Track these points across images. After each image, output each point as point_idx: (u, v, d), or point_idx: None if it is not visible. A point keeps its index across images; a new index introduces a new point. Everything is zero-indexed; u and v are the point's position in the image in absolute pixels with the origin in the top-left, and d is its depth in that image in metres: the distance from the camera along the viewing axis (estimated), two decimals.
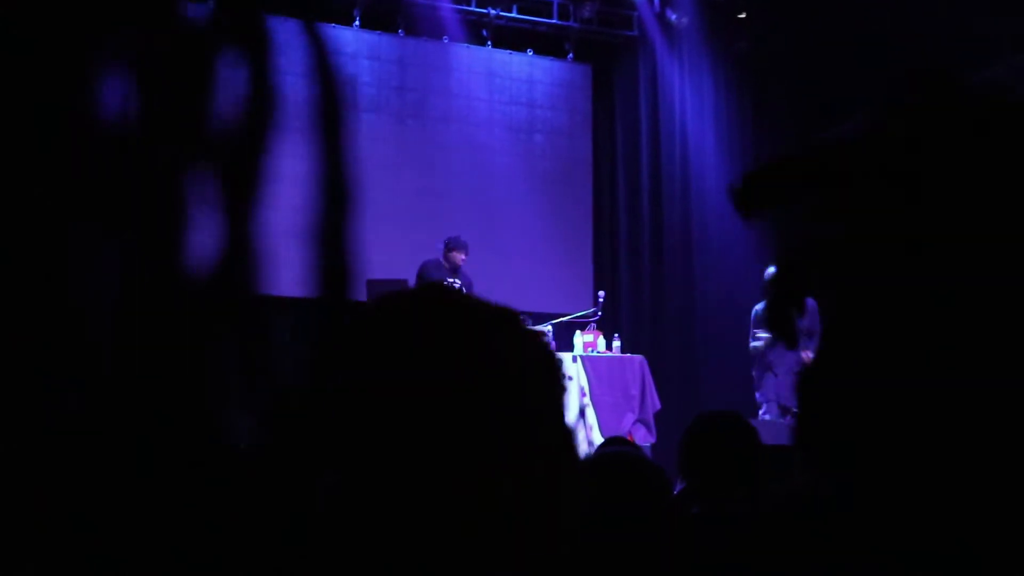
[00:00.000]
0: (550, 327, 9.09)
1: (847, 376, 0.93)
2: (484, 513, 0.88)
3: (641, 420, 9.10)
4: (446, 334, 0.93)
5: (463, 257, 9.22)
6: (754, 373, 8.70)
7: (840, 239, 0.94)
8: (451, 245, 9.19)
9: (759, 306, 9.03)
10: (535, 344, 0.97)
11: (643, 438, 8.91)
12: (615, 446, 3.46)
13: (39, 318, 0.72)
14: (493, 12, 11.37)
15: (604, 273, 11.77)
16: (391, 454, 0.88)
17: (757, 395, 8.72)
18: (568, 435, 0.97)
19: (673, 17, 11.59)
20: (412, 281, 9.02)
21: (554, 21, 11.71)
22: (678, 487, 3.47)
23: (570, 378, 8.66)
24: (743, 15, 11.47)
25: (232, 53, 0.82)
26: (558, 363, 0.99)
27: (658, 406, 9.22)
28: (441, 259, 9.20)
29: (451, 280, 9.08)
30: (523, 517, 0.90)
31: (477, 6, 11.33)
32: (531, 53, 11.77)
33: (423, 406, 0.89)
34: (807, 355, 8.69)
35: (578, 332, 9.35)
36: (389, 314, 0.99)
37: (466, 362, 0.91)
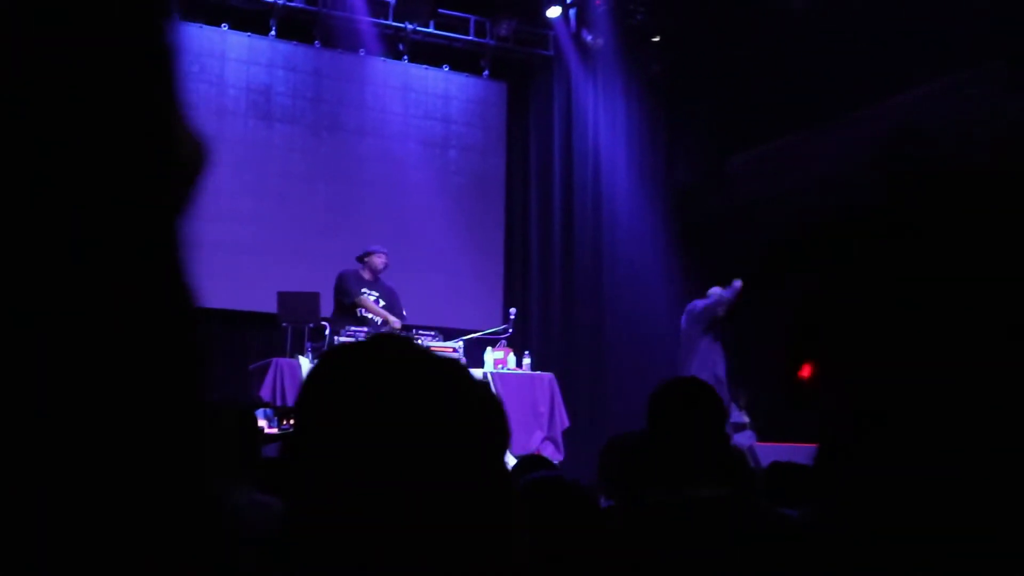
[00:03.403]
0: (461, 343, 9.08)
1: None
2: (436, 535, 1.02)
3: (549, 438, 9.12)
4: (409, 382, 1.07)
5: (383, 260, 9.03)
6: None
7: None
8: (364, 255, 9.05)
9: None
10: (482, 391, 1.11)
11: (551, 456, 8.93)
12: (534, 469, 3.44)
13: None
14: (410, 27, 11.37)
15: (515, 290, 11.80)
16: (361, 476, 1.03)
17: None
18: (504, 470, 1.11)
19: (588, 38, 11.70)
20: (329, 292, 8.90)
21: (471, 38, 11.75)
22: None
23: None
24: (657, 38, 11.61)
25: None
26: (501, 406, 1.13)
27: (566, 424, 9.24)
28: (359, 269, 9.03)
29: (369, 292, 8.97)
30: (471, 539, 1.04)
31: (394, 20, 11.32)
32: (447, 69, 11.79)
33: (393, 438, 1.03)
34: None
35: (488, 349, 9.35)
36: (361, 365, 1.10)
37: (425, 404, 1.05)
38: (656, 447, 2.69)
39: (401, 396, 1.05)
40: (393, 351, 1.10)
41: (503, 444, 1.11)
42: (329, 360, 1.12)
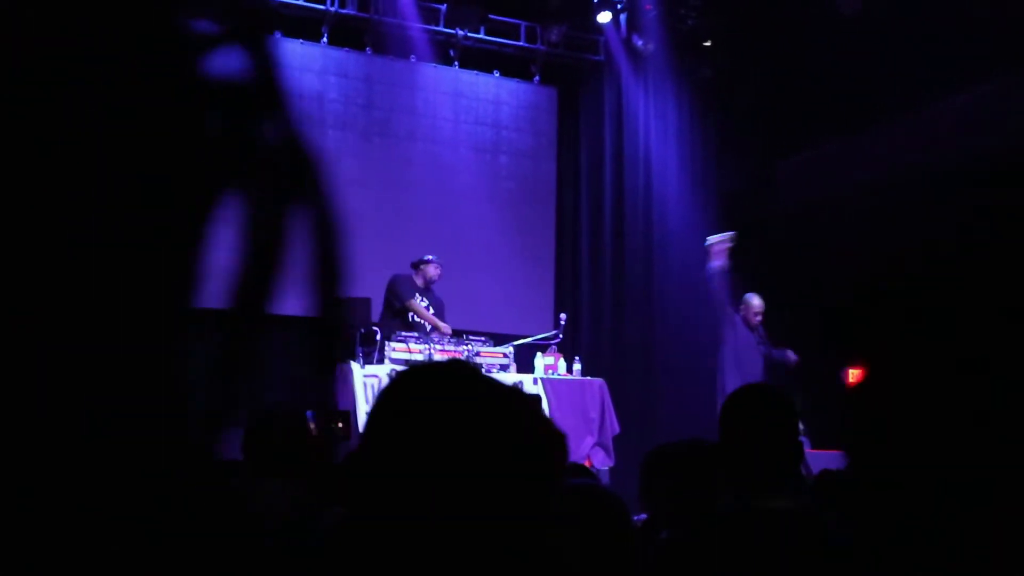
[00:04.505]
0: (511, 348, 9.09)
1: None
2: (489, 558, 1.04)
3: (600, 444, 9.10)
4: (477, 410, 1.10)
5: (437, 271, 9.16)
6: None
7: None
8: (419, 262, 9.18)
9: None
10: (547, 424, 1.14)
11: (601, 462, 8.92)
12: (574, 476, 3.43)
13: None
14: (461, 33, 11.40)
15: (565, 295, 11.79)
16: (421, 495, 1.05)
17: None
18: (559, 500, 1.12)
19: (639, 43, 11.67)
20: (381, 297, 8.98)
21: (521, 44, 11.76)
22: (641, 514, 3.47)
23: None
24: (708, 43, 11.57)
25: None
26: (564, 441, 1.15)
27: (617, 430, 9.22)
28: (412, 274, 9.15)
29: (420, 300, 9.04)
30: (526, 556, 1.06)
31: (445, 27, 11.36)
32: (498, 75, 11.81)
33: (456, 463, 1.06)
34: None
35: (539, 354, 9.35)
36: (432, 391, 1.13)
37: (490, 432, 1.08)
38: (729, 457, 2.64)
39: (468, 422, 1.07)
40: (464, 377, 1.12)
41: (560, 477, 1.13)
42: (401, 382, 1.15)
